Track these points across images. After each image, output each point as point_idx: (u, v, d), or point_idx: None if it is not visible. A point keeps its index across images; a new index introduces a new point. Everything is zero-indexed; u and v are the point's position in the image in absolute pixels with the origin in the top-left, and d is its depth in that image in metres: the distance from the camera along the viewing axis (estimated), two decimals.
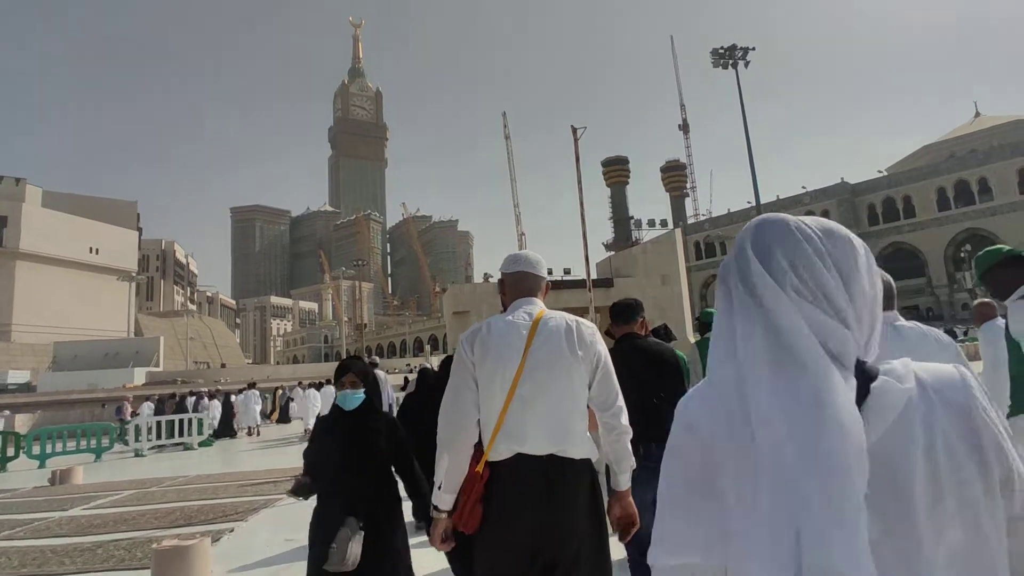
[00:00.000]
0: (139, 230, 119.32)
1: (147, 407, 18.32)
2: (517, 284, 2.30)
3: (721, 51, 33.08)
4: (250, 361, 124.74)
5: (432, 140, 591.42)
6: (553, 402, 2.05)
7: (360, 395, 3.03)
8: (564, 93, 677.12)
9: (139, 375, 52.48)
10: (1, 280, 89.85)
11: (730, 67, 33.29)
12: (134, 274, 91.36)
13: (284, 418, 22.30)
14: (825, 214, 67.58)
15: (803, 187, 71.38)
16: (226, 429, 18.12)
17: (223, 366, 72.87)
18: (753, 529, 0.65)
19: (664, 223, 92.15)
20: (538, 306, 2.24)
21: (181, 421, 15.18)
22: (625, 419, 2.18)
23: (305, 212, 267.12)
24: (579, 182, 18.39)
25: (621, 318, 3.59)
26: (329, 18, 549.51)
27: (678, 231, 28.97)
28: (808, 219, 0.80)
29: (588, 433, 2.13)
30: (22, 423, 22.17)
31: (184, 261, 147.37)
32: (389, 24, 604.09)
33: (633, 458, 2.21)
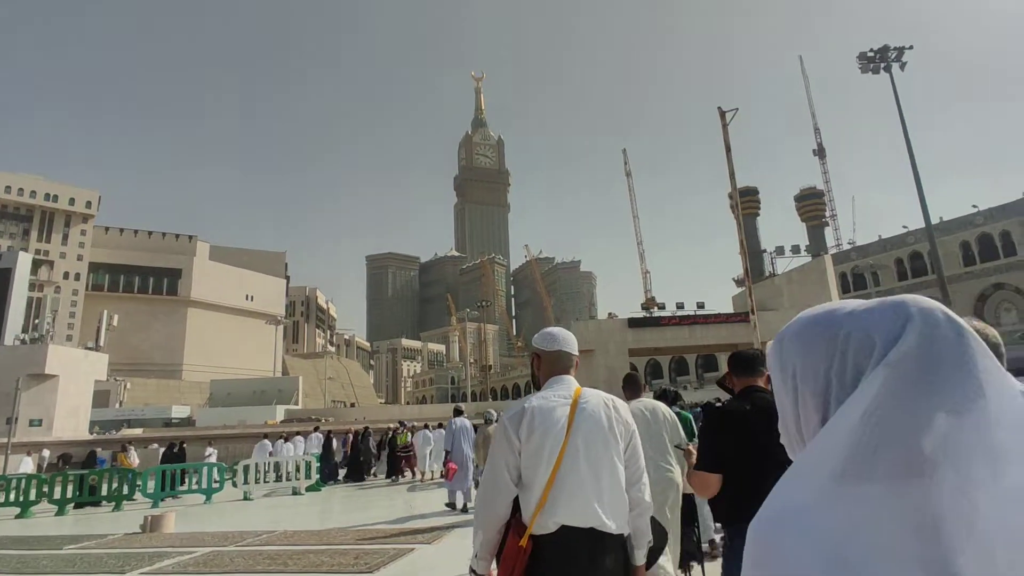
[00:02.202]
0: (287, 278, 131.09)
1: (291, 443, 17.89)
2: (554, 363, 2.42)
3: (871, 54, 29.21)
4: (383, 401, 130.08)
5: (554, 182, 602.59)
6: (596, 477, 2.15)
7: None
8: (684, 127, 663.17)
9: (280, 412, 55.63)
10: (175, 325, 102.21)
11: (882, 71, 29.33)
12: (281, 318, 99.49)
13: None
14: (1006, 236, 57.85)
15: (974, 206, 61.66)
16: (353, 473, 17.61)
17: (352, 405, 75.86)
18: None
19: (796, 249, 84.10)
20: (573, 384, 2.36)
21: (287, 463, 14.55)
22: (648, 494, 2.28)
23: (433, 258, 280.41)
24: (731, 175, 16.12)
25: (743, 369, 3.10)
26: (453, 74, 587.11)
27: (828, 258, 25.19)
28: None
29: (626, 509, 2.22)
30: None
31: (325, 306, 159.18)
32: (509, 73, 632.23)
33: (651, 534, 2.28)
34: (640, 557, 2.23)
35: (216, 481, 13.94)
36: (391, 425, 20.80)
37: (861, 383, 0.60)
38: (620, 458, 2.23)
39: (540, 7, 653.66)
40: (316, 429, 19.63)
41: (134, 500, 13.43)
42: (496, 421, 10.10)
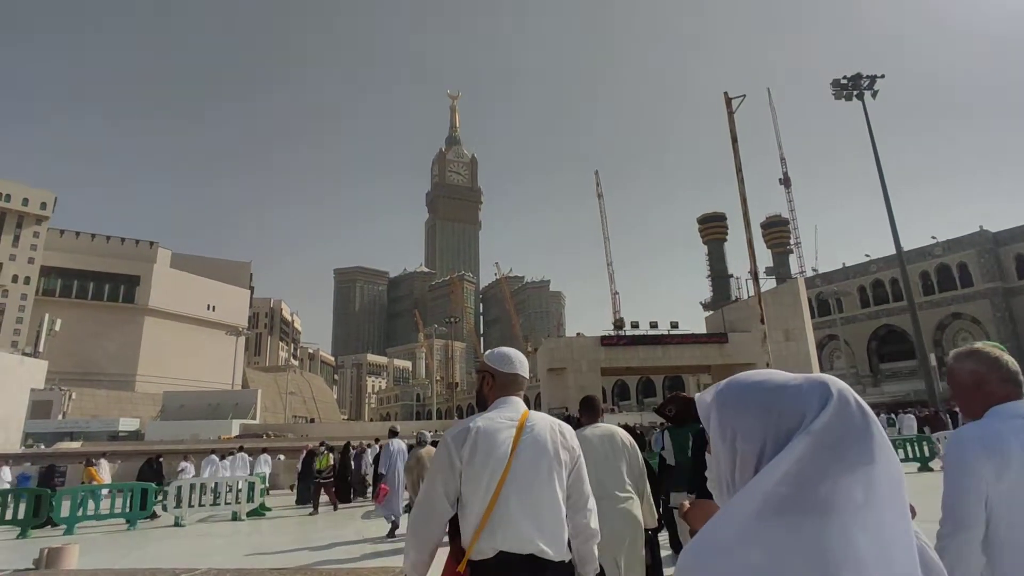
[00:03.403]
0: (251, 289, 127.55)
1: (226, 461, 16.41)
2: (507, 385, 2.37)
3: (844, 81, 29.58)
4: (345, 417, 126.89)
5: (524, 201, 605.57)
6: (536, 503, 2.10)
7: None
8: (655, 147, 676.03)
9: (235, 427, 53.25)
10: (131, 334, 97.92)
11: (854, 98, 29.68)
12: (243, 329, 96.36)
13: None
14: (962, 267, 59.41)
15: (933, 237, 63.27)
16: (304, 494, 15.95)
17: (311, 421, 73.48)
18: None
19: (768, 272, 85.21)
20: (521, 406, 2.31)
21: (229, 486, 13.12)
22: (595, 521, 2.23)
23: (403, 273, 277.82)
24: (738, 169, 15.45)
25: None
26: (428, 91, 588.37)
27: (801, 280, 25.03)
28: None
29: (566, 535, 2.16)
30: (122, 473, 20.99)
31: (290, 319, 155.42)
32: (484, 92, 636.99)
33: (598, 562, 2.24)
34: None
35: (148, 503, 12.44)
36: (318, 445, 19.31)
37: (788, 444, 0.77)
38: (563, 485, 2.19)
39: (518, 27, 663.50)
40: (241, 448, 17.89)
41: (54, 527, 11.91)
42: (430, 443, 9.90)
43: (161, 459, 17.38)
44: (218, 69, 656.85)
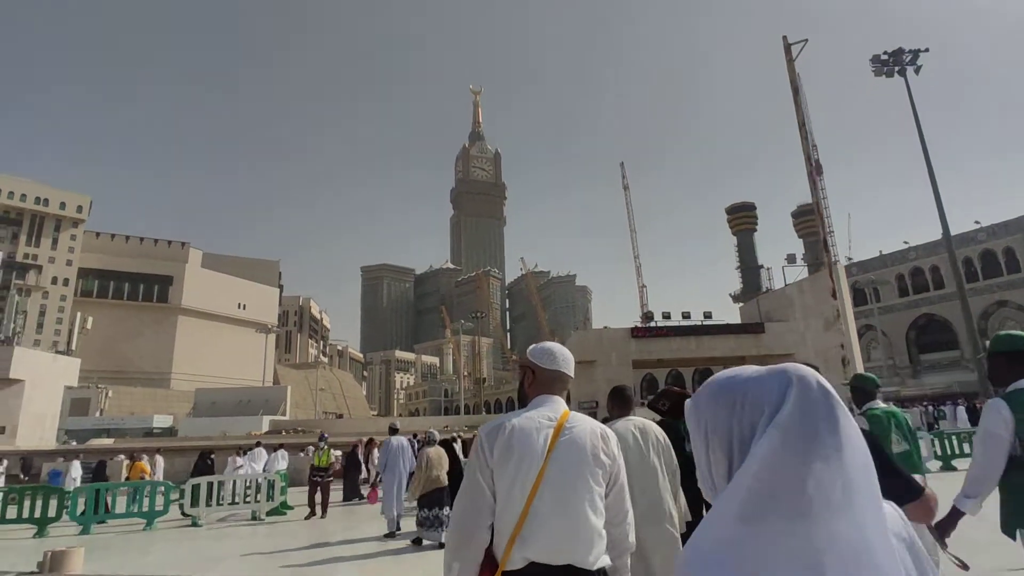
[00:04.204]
0: (280, 287, 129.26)
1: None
2: (550, 383, 2.22)
3: (884, 57, 28.17)
4: (375, 413, 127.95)
5: (550, 196, 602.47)
6: (572, 511, 1.98)
7: None
8: (682, 136, 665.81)
9: (265, 422, 53.79)
10: (165, 332, 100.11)
11: (896, 75, 28.21)
12: (272, 327, 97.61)
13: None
14: (1008, 252, 56.80)
15: (976, 222, 60.53)
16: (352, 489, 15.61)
17: (340, 417, 73.97)
18: None
19: (792, 258, 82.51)
20: (562, 406, 2.17)
21: (250, 482, 12.67)
22: (633, 535, 2.14)
23: (428, 270, 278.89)
24: (801, 124, 14.35)
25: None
26: (451, 87, 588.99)
27: (841, 266, 23.76)
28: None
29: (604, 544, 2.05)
30: (178, 468, 20.89)
31: (318, 316, 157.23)
32: (506, 87, 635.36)
33: (629, 572, 2.17)
34: None
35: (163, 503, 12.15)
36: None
37: (757, 439, 0.77)
38: (603, 491, 2.06)
39: (538, 20, 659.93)
40: (259, 444, 17.45)
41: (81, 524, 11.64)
42: (438, 442, 9.55)
43: (212, 455, 17.38)
44: (243, 70, 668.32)
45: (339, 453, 16.69)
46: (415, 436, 14.23)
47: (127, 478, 15.79)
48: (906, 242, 64.94)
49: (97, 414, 62.40)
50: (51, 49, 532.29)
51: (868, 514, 0.73)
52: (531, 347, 2.35)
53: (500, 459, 2.00)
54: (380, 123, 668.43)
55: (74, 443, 33.96)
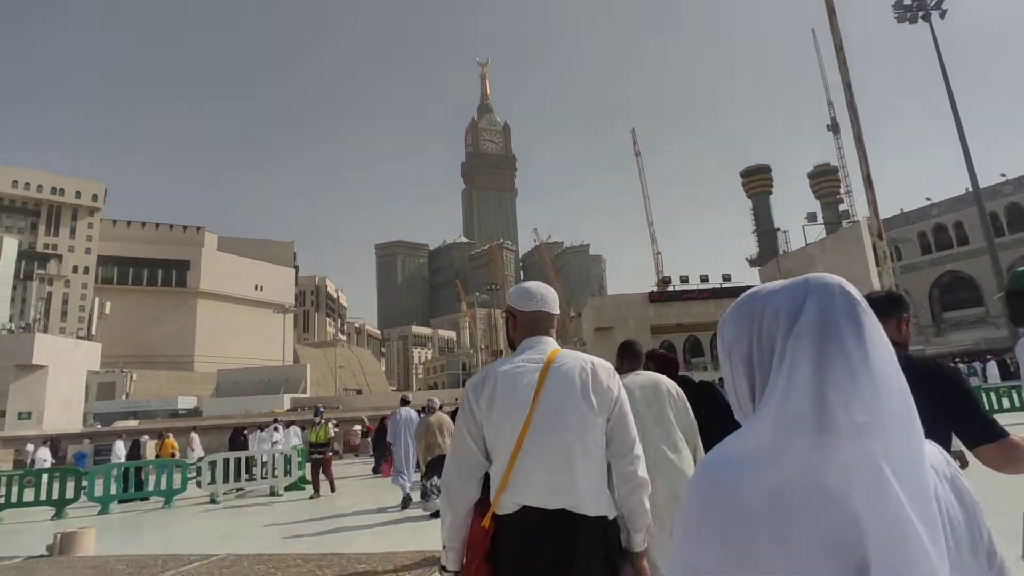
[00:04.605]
0: (296, 267, 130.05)
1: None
2: (532, 324, 2.13)
3: (908, 2, 26.83)
4: (394, 388, 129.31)
5: (561, 165, 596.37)
6: (564, 453, 1.89)
7: None
8: (694, 103, 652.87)
9: (286, 400, 54.46)
10: (185, 316, 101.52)
11: (920, 21, 26.88)
12: (289, 307, 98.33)
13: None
14: None
15: (1002, 175, 58.44)
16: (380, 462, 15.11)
17: (359, 392, 74.69)
18: None
19: (813, 217, 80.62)
20: (551, 345, 2.08)
21: (259, 459, 12.63)
22: (643, 469, 1.98)
23: (442, 244, 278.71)
24: (838, 48, 13.37)
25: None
26: (458, 60, 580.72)
27: (864, 223, 22.84)
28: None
29: (606, 488, 1.94)
30: (214, 444, 21.28)
31: (335, 295, 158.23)
32: (514, 58, 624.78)
33: (650, 515, 1.98)
34: (638, 542, 1.94)
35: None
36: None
37: (779, 354, 0.74)
38: (601, 431, 1.94)
39: None
40: (276, 421, 17.56)
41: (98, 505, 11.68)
42: (440, 410, 9.44)
43: (246, 431, 17.81)
44: (252, 51, 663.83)
45: (338, 428, 16.68)
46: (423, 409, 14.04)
47: (157, 456, 16.17)
48: (928, 199, 63.22)
49: (123, 397, 63.64)
50: (62, 40, 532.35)
51: (898, 438, 0.68)
52: (510, 290, 2.24)
53: (487, 410, 1.94)
54: (388, 100, 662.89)
55: (99, 425, 34.68)
